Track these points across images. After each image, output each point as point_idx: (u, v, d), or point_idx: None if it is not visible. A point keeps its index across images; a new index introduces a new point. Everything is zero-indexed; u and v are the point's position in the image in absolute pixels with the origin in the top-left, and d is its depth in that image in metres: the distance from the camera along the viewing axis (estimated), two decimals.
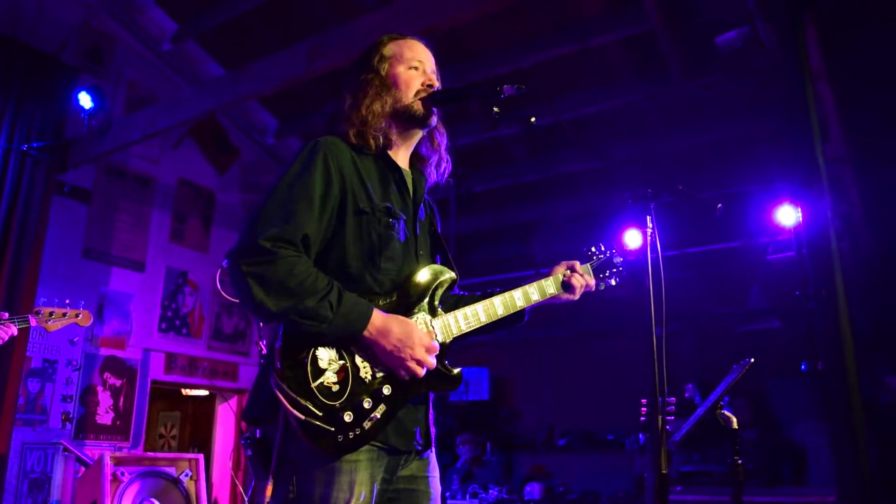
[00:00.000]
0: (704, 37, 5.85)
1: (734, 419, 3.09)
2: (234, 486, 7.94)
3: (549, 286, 2.50)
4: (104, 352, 6.95)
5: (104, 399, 6.87)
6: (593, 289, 2.63)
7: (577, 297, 2.57)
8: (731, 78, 6.22)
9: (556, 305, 2.59)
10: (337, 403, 1.90)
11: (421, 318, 2.13)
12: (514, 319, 2.41)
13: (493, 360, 10.36)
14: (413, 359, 1.99)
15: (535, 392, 10.74)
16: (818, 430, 7.14)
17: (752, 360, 3.27)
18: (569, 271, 2.56)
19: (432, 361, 2.04)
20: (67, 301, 4.42)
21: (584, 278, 2.57)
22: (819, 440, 7.11)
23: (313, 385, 1.89)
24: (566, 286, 2.54)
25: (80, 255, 6.90)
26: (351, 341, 1.97)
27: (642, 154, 7.50)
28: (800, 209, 4.16)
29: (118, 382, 7.01)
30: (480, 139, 7.51)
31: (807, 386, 7.52)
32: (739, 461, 3.03)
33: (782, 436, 8.03)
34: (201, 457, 5.41)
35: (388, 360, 1.98)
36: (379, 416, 1.96)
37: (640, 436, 8.15)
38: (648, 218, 2.31)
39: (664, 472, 2.02)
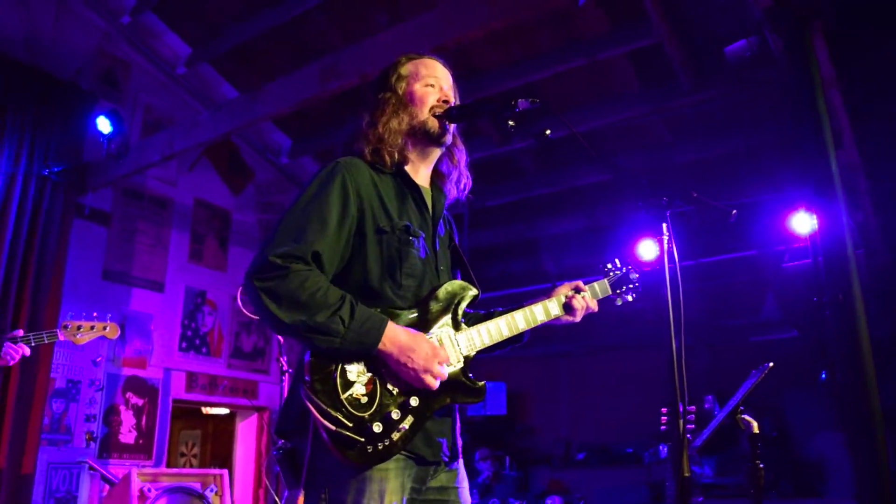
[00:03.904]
0: (712, 48, 5.87)
1: (755, 423, 3.09)
2: (256, 503, 7.97)
3: (552, 307, 2.46)
4: (126, 371, 7.02)
5: (127, 418, 6.93)
6: (596, 311, 2.56)
7: (578, 319, 2.51)
8: (740, 88, 6.24)
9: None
10: (366, 414, 1.93)
11: (445, 332, 2.16)
12: (514, 340, 2.38)
13: (510, 375, 10.35)
14: (427, 371, 2.00)
15: (552, 406, 10.73)
16: (836, 441, 7.10)
17: (772, 364, 3.28)
18: (572, 292, 2.51)
19: (444, 372, 2.05)
20: (95, 314, 4.46)
21: (585, 300, 2.51)
22: (837, 451, 7.07)
23: (343, 397, 1.92)
24: (567, 308, 2.48)
25: (101, 277, 6.98)
26: (365, 356, 1.99)
27: (652, 166, 7.52)
28: (815, 216, 4.14)
29: (140, 401, 7.08)
30: (490, 154, 7.56)
31: (824, 396, 7.49)
32: (760, 465, 3.03)
33: (799, 447, 7.99)
34: (226, 472, 5.45)
35: (403, 373, 2.00)
36: (407, 426, 1.97)
37: (662, 448, 8.14)
38: (665, 226, 2.25)
39: (686, 475, 2.02)
